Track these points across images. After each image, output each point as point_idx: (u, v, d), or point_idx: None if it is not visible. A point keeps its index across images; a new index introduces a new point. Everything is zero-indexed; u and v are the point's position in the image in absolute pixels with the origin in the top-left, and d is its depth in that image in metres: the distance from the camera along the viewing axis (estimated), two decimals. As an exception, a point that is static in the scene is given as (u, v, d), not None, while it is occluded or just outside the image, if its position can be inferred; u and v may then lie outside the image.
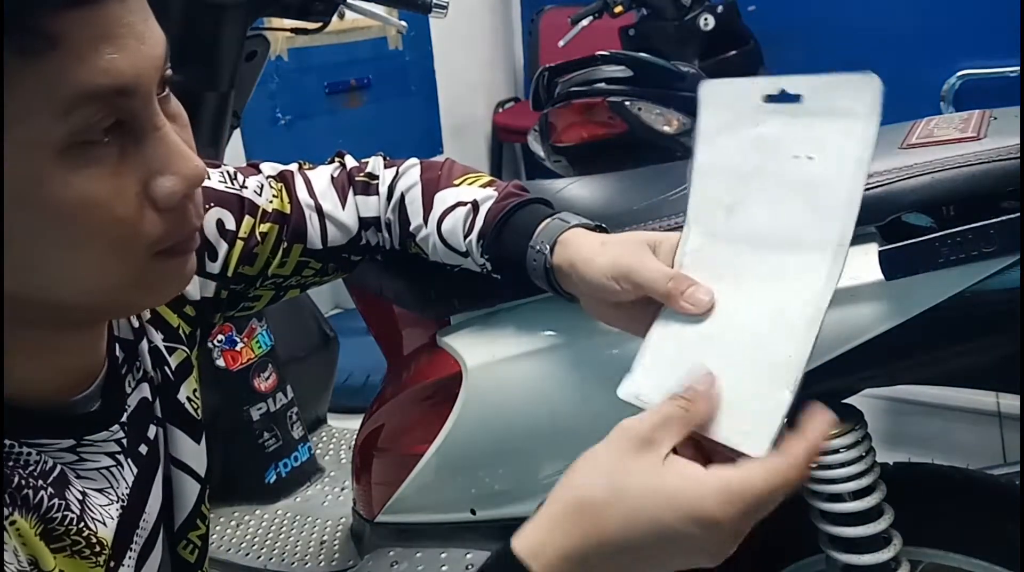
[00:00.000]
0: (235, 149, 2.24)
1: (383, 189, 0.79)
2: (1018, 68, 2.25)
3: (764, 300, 0.52)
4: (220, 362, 1.31)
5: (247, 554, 1.25)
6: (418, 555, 0.94)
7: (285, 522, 1.32)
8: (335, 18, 1.30)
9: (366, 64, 2.92)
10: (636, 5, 2.25)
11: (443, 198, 0.74)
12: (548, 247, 0.66)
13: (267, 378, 1.36)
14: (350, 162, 0.82)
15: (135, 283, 0.46)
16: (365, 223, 0.79)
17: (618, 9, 2.22)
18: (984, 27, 2.39)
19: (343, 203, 0.78)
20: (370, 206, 0.79)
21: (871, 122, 0.49)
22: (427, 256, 0.78)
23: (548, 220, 0.68)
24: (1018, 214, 0.57)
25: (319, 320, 1.59)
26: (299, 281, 0.79)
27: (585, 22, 2.27)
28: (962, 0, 2.43)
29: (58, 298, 0.45)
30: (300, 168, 0.80)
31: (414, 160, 0.80)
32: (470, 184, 0.75)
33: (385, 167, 0.81)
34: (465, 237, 0.72)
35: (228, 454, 1.35)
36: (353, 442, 1.06)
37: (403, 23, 1.52)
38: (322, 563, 1.20)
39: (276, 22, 1.38)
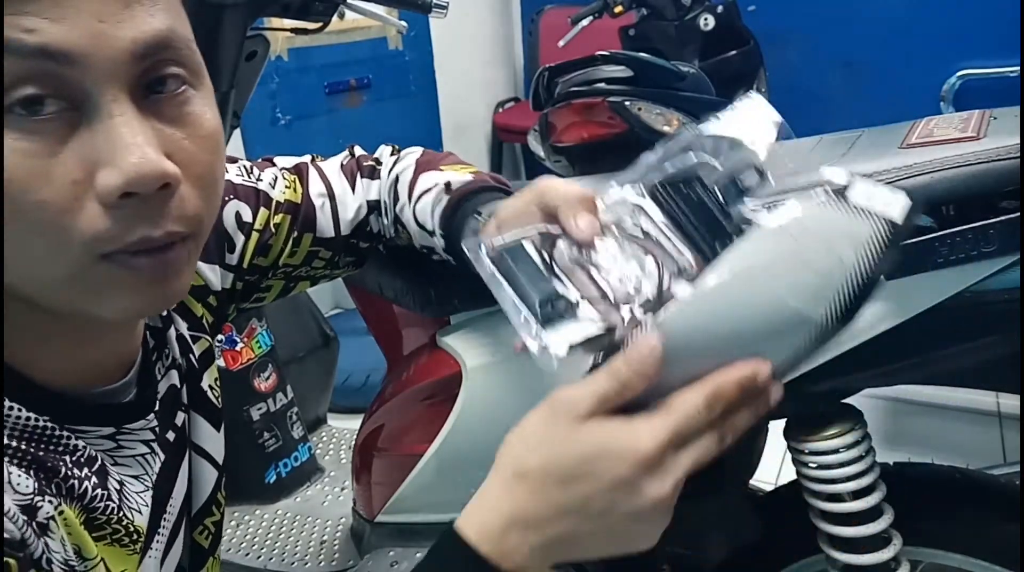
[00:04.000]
0: (235, 149, 2.24)
1: (385, 172, 0.81)
2: (1018, 68, 2.25)
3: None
4: (220, 362, 1.31)
5: (247, 554, 1.26)
6: (418, 555, 0.94)
7: (285, 522, 1.32)
8: (335, 18, 1.30)
9: (366, 64, 2.92)
10: (636, 5, 2.25)
11: (425, 179, 0.76)
12: (485, 216, 0.67)
13: (267, 378, 1.36)
14: (359, 152, 0.85)
15: (75, 283, 0.43)
16: (371, 206, 0.81)
17: (618, 9, 2.22)
18: (984, 27, 2.39)
19: (352, 187, 0.80)
20: (373, 189, 0.81)
21: None
22: (411, 241, 0.80)
23: (499, 200, 0.68)
24: (1018, 214, 0.57)
25: (319, 320, 1.59)
26: (309, 272, 0.80)
27: (585, 22, 2.27)
28: (962, 0, 2.43)
29: (19, 284, 0.43)
30: (313, 160, 0.82)
31: (418, 148, 0.82)
32: (454, 170, 0.76)
33: (391, 154, 0.83)
34: (432, 215, 0.73)
35: (228, 454, 1.35)
36: (353, 442, 1.06)
37: (403, 23, 1.51)
38: (322, 563, 1.20)
39: (276, 22, 1.38)
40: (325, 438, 1.55)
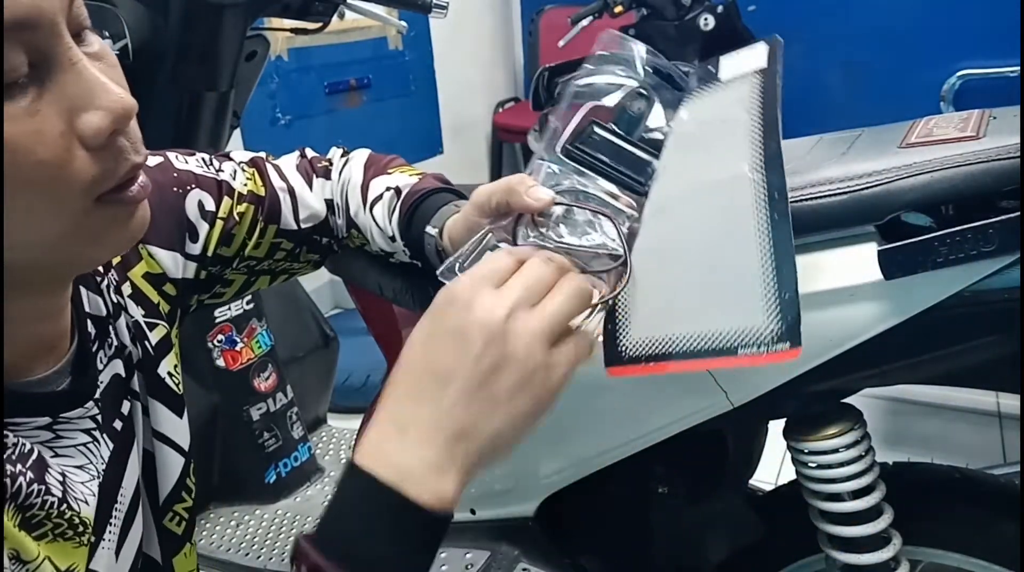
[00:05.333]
0: (235, 149, 2.23)
1: (335, 174, 0.83)
2: (1018, 68, 2.25)
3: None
4: (220, 362, 1.31)
5: (247, 554, 1.26)
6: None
7: (285, 522, 1.32)
8: (335, 18, 1.30)
9: (366, 64, 2.92)
10: (636, 5, 2.25)
11: (376, 185, 0.78)
12: (438, 231, 0.69)
13: (267, 378, 1.36)
14: (310, 153, 0.87)
15: (79, 232, 0.44)
16: (328, 205, 0.83)
17: (618, 9, 2.22)
18: (984, 27, 2.39)
19: (309, 186, 0.82)
20: (327, 189, 0.83)
21: None
22: (368, 245, 0.82)
23: (447, 207, 0.71)
24: (1017, 213, 0.57)
25: (319, 320, 1.59)
26: (271, 265, 0.81)
27: (585, 22, 2.27)
28: (962, 0, 2.43)
29: (9, 258, 0.43)
30: (267, 157, 0.83)
31: (365, 150, 0.84)
32: (401, 173, 0.78)
33: (341, 156, 0.85)
34: (390, 222, 0.76)
35: (228, 454, 1.35)
36: (353, 442, 1.06)
37: (403, 23, 1.52)
38: (322, 563, 1.20)
39: (276, 22, 1.38)
40: (325, 438, 1.55)
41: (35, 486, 0.47)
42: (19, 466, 0.46)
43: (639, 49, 0.65)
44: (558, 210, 0.59)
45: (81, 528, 0.50)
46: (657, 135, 0.61)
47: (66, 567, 0.49)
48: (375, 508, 0.45)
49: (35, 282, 0.48)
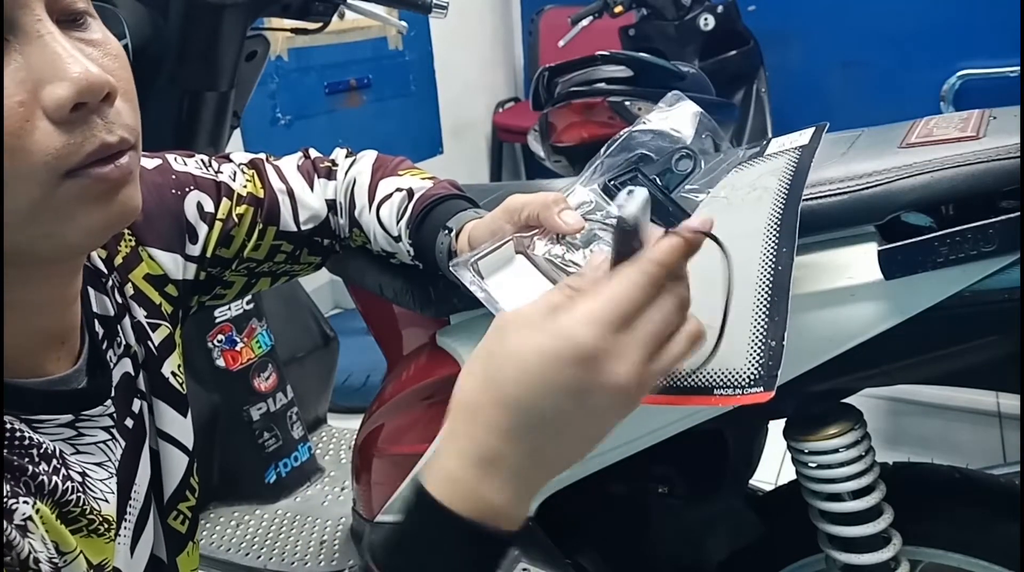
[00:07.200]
0: (235, 149, 2.23)
1: (341, 174, 0.83)
2: (1018, 68, 2.26)
3: None
4: (220, 362, 1.31)
5: (247, 554, 1.25)
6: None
7: (285, 522, 1.32)
8: (335, 18, 1.30)
9: (366, 64, 2.92)
10: (636, 5, 2.25)
11: (385, 185, 0.78)
12: (454, 232, 0.70)
13: (267, 378, 1.36)
14: (313, 154, 0.87)
15: (48, 208, 0.43)
16: (330, 205, 0.83)
17: (618, 9, 2.22)
18: (984, 27, 2.40)
19: (311, 186, 0.82)
20: (330, 189, 0.83)
21: None
22: (369, 245, 0.82)
23: (465, 212, 0.72)
24: (1018, 213, 0.57)
25: (319, 320, 1.59)
26: (271, 267, 0.82)
27: (585, 22, 2.27)
28: (962, 0, 2.43)
29: None
30: (267, 158, 0.84)
31: (372, 151, 0.84)
32: (412, 176, 0.79)
33: (346, 157, 0.86)
34: (398, 222, 0.76)
35: (228, 454, 1.35)
36: (353, 442, 1.06)
37: (403, 23, 1.52)
38: (322, 563, 1.20)
39: (276, 22, 1.38)
40: (325, 438, 1.55)
41: (68, 484, 0.48)
42: (53, 463, 0.47)
43: (693, 110, 0.69)
44: (580, 238, 0.61)
45: (107, 525, 0.51)
46: (694, 198, 0.65)
47: (98, 561, 0.50)
48: (456, 540, 0.44)
49: (30, 267, 0.47)
